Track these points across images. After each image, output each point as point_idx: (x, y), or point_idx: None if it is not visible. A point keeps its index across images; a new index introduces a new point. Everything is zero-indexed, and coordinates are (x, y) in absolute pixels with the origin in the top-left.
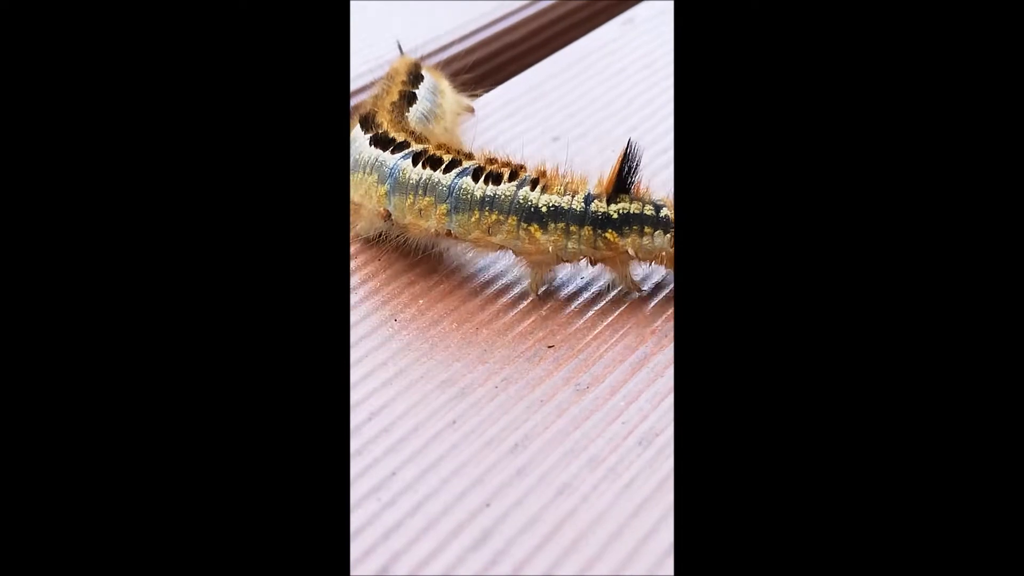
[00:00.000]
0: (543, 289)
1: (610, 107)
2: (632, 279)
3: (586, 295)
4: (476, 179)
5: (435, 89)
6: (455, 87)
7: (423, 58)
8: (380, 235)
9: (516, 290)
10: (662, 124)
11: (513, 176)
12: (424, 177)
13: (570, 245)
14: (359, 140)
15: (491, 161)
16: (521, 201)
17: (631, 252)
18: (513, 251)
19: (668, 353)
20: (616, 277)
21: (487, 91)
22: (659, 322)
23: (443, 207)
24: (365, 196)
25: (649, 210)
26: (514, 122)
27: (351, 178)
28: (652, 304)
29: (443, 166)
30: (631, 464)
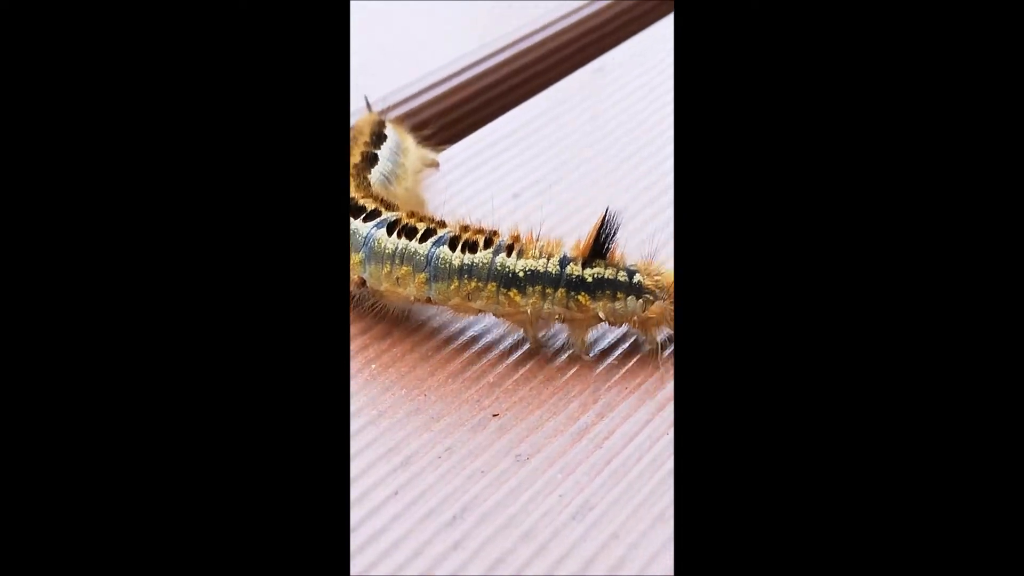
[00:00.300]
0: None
1: (575, 160)
2: (585, 344)
3: (531, 362)
4: (453, 248)
5: (398, 148)
6: (419, 141)
7: (387, 112)
8: (352, 299)
9: (466, 354)
10: (641, 171)
11: (488, 242)
12: (400, 247)
13: (546, 307)
14: None
15: (465, 228)
16: (499, 268)
17: (602, 315)
18: (493, 314)
19: (609, 423)
20: (571, 338)
21: (449, 145)
22: (603, 389)
23: (422, 276)
24: None
25: (623, 276)
26: (475, 177)
27: None
28: (597, 370)
29: (418, 235)
30: (565, 539)
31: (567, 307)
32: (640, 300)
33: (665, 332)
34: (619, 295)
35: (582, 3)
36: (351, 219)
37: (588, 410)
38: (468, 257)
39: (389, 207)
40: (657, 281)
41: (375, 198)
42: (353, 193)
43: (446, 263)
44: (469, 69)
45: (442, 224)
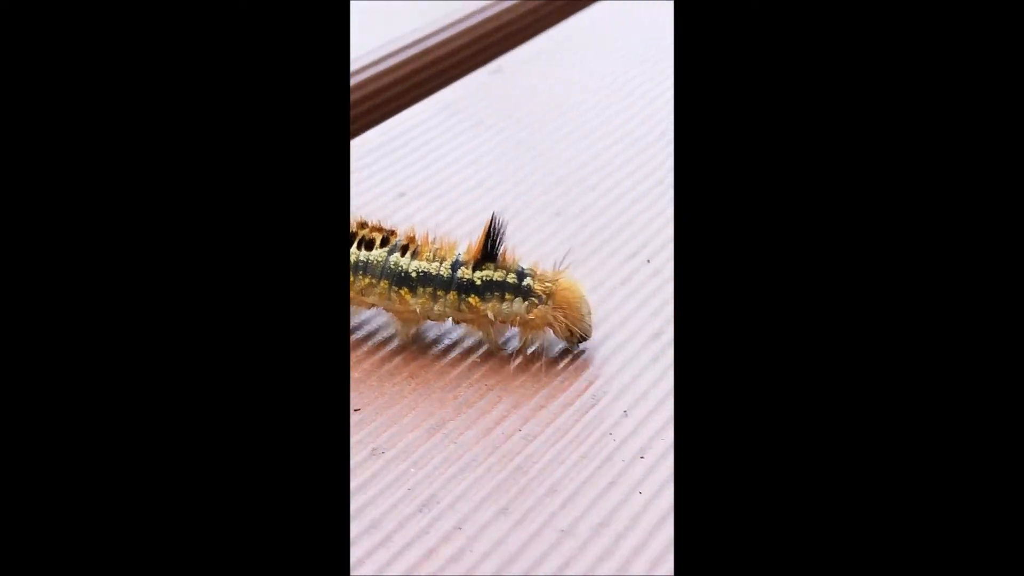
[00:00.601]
0: (412, 338)
1: (460, 162)
2: (496, 339)
3: (397, 359)
4: (359, 245)
5: None
6: None
7: None
8: None
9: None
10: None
11: (385, 242)
12: None
13: (436, 308)
14: None
15: (362, 226)
16: (392, 267)
17: (491, 316)
18: (384, 309)
19: (465, 419)
20: (483, 336)
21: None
22: (462, 387)
23: None
24: None
25: (511, 278)
26: (365, 176)
27: None
28: (456, 372)
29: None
30: (410, 530)
31: (459, 309)
32: (525, 302)
33: (546, 338)
34: (507, 296)
35: (484, 3)
36: None
37: (445, 406)
38: (364, 254)
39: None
40: (547, 288)
41: None
42: None
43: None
44: (368, 68)
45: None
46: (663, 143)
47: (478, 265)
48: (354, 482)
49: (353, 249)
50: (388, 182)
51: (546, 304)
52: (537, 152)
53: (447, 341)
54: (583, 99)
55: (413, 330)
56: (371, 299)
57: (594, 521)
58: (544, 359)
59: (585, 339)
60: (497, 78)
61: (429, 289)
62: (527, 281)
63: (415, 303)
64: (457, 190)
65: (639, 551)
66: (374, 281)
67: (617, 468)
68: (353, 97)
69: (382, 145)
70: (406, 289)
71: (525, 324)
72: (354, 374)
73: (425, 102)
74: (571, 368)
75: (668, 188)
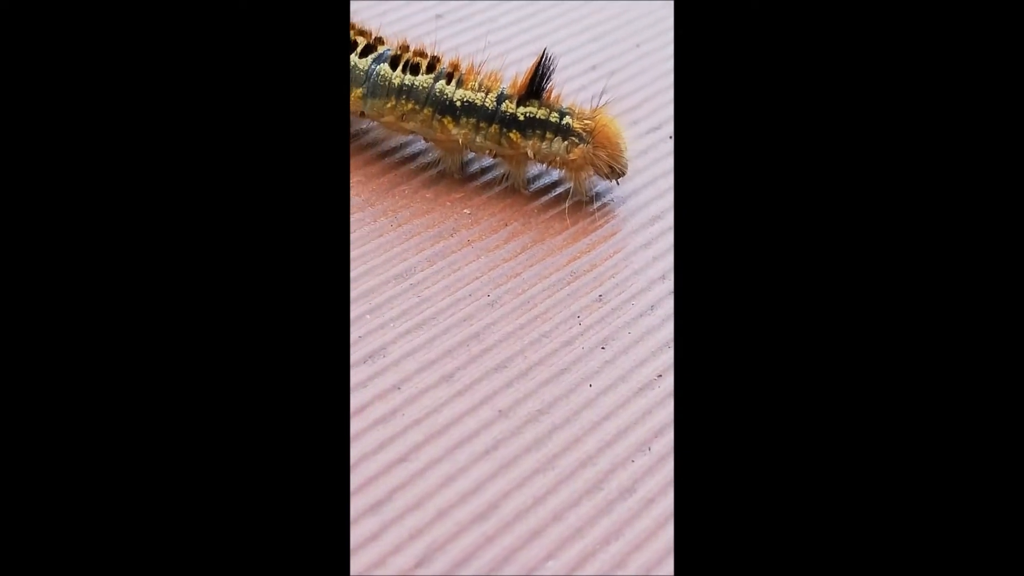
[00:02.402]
0: (457, 168)
1: None
2: (524, 179)
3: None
4: (394, 67)
5: None
6: None
7: None
8: None
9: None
10: None
11: (431, 67)
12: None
13: (478, 139)
14: None
15: (405, 48)
16: (437, 94)
17: (530, 154)
18: (424, 137)
19: (439, 270)
20: (511, 174)
21: None
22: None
23: (359, 91)
24: None
25: (554, 117)
26: None
27: None
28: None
29: (358, 50)
30: (352, 380)
31: (499, 143)
32: (565, 142)
33: (593, 179)
34: (548, 135)
35: None
36: None
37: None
38: (409, 79)
39: (362, 34)
40: (586, 125)
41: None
42: None
43: (386, 80)
44: None
45: (380, 41)
46: None
47: (523, 100)
48: None
49: (397, 72)
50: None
51: (586, 144)
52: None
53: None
54: None
55: (456, 159)
56: (411, 125)
57: (532, 407)
58: (568, 204)
59: (623, 175)
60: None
61: (472, 120)
62: (567, 120)
63: (458, 133)
64: (498, 22)
65: (571, 447)
66: (417, 107)
67: (575, 354)
68: None
69: None
70: (449, 118)
71: (566, 164)
72: (380, 181)
73: None
74: (573, 230)
75: None
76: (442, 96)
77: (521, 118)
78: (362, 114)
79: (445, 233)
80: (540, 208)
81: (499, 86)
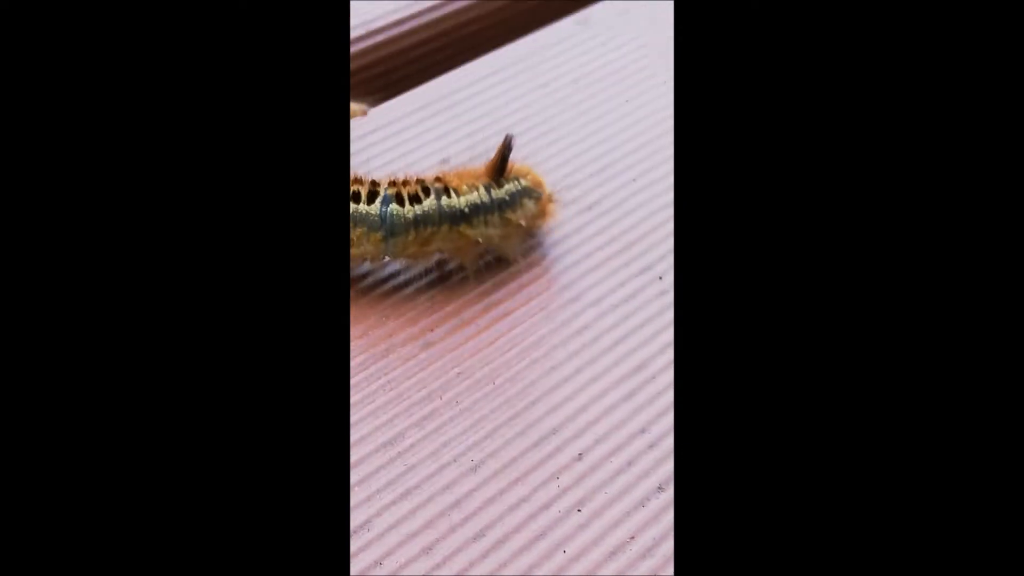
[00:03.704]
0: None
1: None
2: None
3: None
4: (401, 203)
5: None
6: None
7: None
8: None
9: None
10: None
11: (427, 190)
12: (350, 211)
13: (490, 231)
14: None
15: (392, 184)
16: (447, 209)
17: (523, 223)
18: (446, 252)
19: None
20: (505, 252)
21: (382, 101)
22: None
23: (377, 236)
24: None
25: (523, 184)
26: (401, 140)
27: None
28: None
29: (363, 199)
30: None
31: (503, 226)
32: (534, 201)
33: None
34: (523, 201)
35: None
36: None
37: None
38: (419, 208)
39: None
40: (532, 179)
41: None
42: None
43: (401, 217)
44: (424, 14)
45: (374, 184)
46: None
47: (498, 180)
48: None
49: (407, 207)
50: (430, 146)
51: (539, 195)
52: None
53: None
54: None
55: (475, 258)
56: (434, 246)
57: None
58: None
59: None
60: (582, 29)
61: (481, 217)
62: (524, 183)
63: (476, 234)
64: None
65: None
66: (435, 228)
67: (552, 518)
68: (403, 44)
69: (433, 102)
70: (464, 224)
71: (538, 217)
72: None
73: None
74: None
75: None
76: (452, 210)
77: (507, 197)
78: (383, 257)
79: (434, 396)
80: (527, 365)
81: (479, 180)
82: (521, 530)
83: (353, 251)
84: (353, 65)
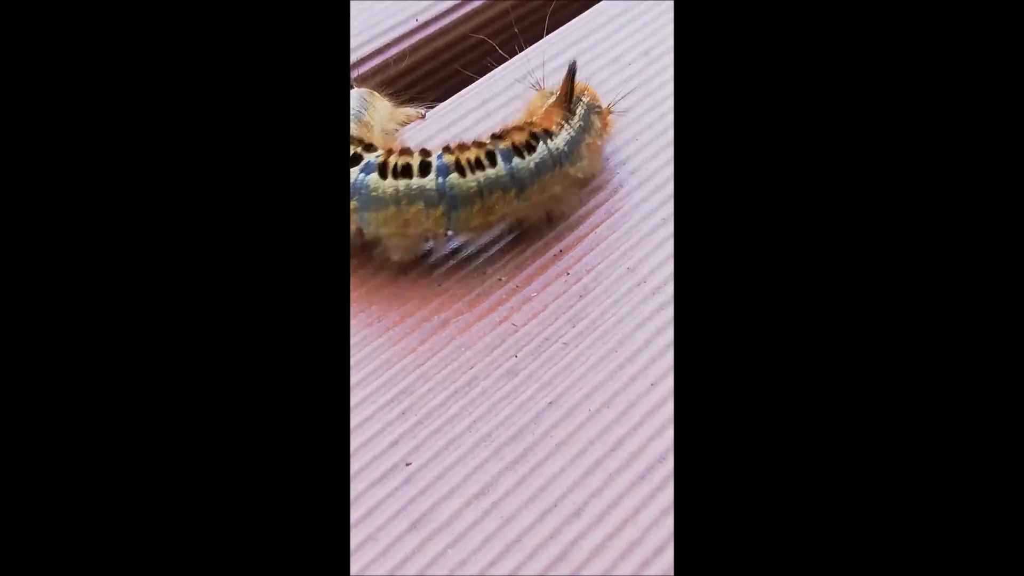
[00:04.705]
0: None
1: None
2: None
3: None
4: (461, 172)
5: (361, 106)
6: (394, 102)
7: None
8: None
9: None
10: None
11: (491, 155)
12: (403, 187)
13: (557, 189)
14: None
15: (447, 150)
16: (517, 172)
17: (580, 176)
18: (511, 217)
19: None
20: (563, 207)
21: (433, 104)
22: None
23: (438, 211)
24: None
25: (587, 97)
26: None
27: None
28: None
29: (415, 171)
30: None
31: (563, 180)
32: (598, 116)
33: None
34: (592, 119)
35: None
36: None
37: None
38: (481, 175)
39: (368, 148)
40: (591, 94)
41: (351, 141)
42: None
43: (463, 189)
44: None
45: (425, 152)
46: None
47: (568, 108)
48: None
49: (468, 176)
50: None
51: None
52: None
53: None
54: None
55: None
56: (501, 211)
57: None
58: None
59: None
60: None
61: (546, 174)
62: (582, 107)
63: (549, 190)
64: None
65: None
66: (502, 192)
67: None
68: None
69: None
70: (538, 183)
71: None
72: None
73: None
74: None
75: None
76: (521, 171)
77: (582, 122)
78: (444, 233)
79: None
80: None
81: (554, 117)
82: None
83: (409, 231)
84: (404, 65)
